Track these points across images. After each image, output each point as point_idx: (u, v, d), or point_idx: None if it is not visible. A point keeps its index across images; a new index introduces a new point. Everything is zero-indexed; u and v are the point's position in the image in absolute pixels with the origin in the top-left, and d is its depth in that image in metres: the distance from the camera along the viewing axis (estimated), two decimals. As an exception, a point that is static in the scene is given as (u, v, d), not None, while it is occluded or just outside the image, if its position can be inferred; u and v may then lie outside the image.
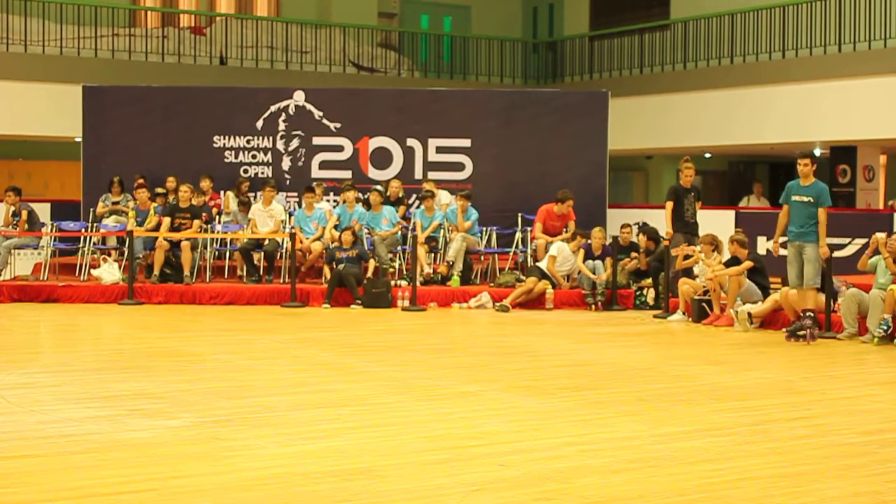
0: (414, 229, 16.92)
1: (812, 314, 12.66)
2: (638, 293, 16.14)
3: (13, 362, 10.59)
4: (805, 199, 12.58)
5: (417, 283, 15.84)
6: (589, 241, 16.26)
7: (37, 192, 22.65)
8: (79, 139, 19.48)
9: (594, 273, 15.95)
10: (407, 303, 15.68)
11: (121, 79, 21.55)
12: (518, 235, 17.92)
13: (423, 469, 6.46)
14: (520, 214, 18.06)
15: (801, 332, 12.59)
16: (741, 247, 14.26)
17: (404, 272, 16.80)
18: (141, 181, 17.75)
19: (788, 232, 12.86)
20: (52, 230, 17.68)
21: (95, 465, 6.46)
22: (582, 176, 18.65)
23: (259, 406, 8.34)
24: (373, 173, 18.84)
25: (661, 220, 15.71)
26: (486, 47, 27.11)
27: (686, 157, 15.95)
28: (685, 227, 15.39)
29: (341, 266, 15.96)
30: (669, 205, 15.42)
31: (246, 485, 6.08)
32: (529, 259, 17.36)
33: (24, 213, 17.26)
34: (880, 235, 13.19)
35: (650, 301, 15.91)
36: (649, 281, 16.05)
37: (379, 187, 17.83)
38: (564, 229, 16.87)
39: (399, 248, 17.17)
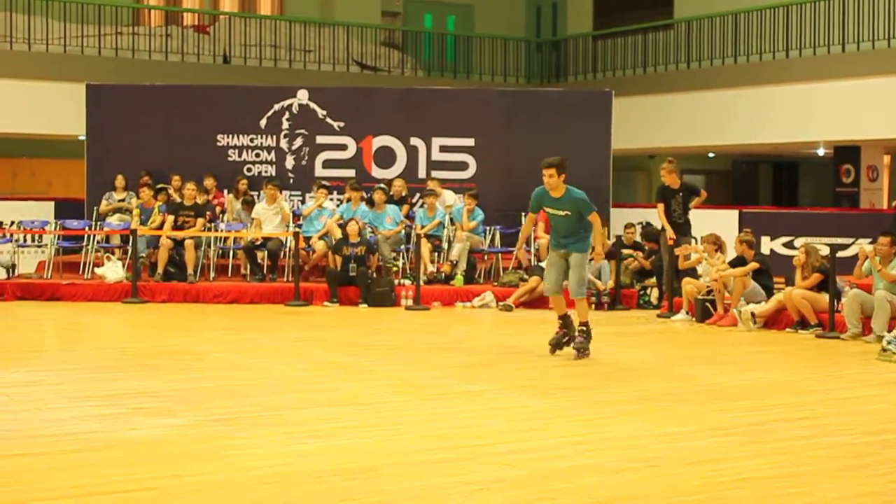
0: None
1: None
2: (641, 293, 16.14)
3: (17, 360, 10.61)
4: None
5: (421, 283, 15.86)
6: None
7: (41, 190, 22.68)
8: (82, 137, 19.50)
9: (599, 273, 15.97)
10: (410, 302, 15.69)
11: (124, 77, 21.57)
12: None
13: (425, 468, 6.45)
14: (523, 214, 18.02)
15: None
16: (749, 247, 14.26)
17: (408, 271, 16.81)
18: (146, 179, 17.79)
19: None
20: (55, 228, 17.70)
21: (98, 463, 6.47)
22: (585, 175, 18.48)
23: (262, 405, 8.34)
24: (376, 172, 18.84)
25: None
26: (490, 46, 27.11)
27: (669, 157, 15.90)
28: (673, 228, 15.32)
29: (351, 265, 15.96)
30: (660, 206, 15.39)
31: (248, 484, 6.07)
32: (533, 258, 17.36)
33: None
34: (867, 248, 13.17)
35: (654, 300, 15.92)
36: (653, 280, 16.05)
37: (383, 186, 17.82)
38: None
39: (403, 247, 17.18)
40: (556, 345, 11.20)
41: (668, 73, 24.45)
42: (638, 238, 17.16)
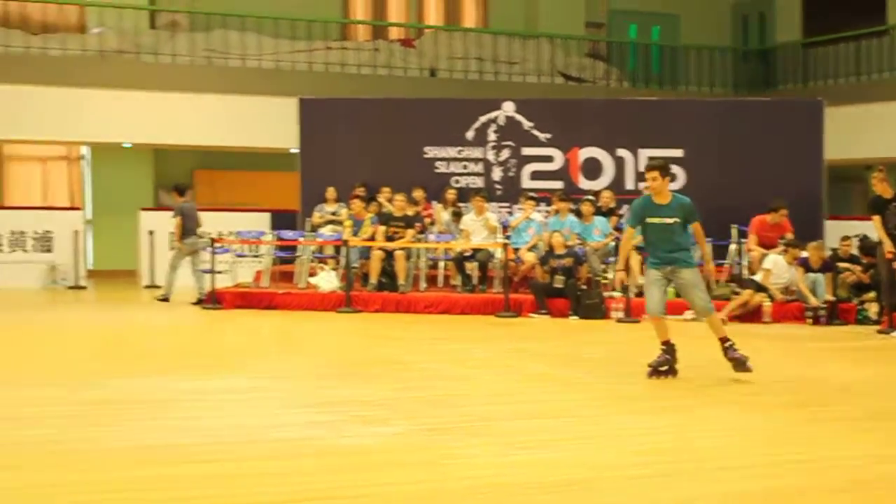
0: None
1: None
2: (860, 307, 15.64)
3: (236, 367, 10.93)
4: None
5: (631, 295, 15.72)
6: (805, 255, 15.89)
7: (257, 202, 23.35)
8: (295, 150, 19.98)
9: (814, 288, 15.57)
10: (621, 314, 15.58)
11: (334, 91, 22.01)
12: (732, 247, 17.58)
13: (636, 483, 6.37)
14: (734, 226, 17.71)
15: None
16: None
17: (618, 283, 16.67)
18: (361, 190, 18.14)
19: None
20: (272, 239, 18.19)
21: (316, 469, 6.58)
22: (797, 187, 18.20)
23: (474, 415, 8.36)
24: (583, 183, 18.81)
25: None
26: (696, 56, 26.74)
27: (879, 166, 15.32)
28: (891, 240, 14.67)
29: (558, 277, 15.95)
30: (877, 218, 14.68)
31: (461, 494, 6.10)
32: (744, 271, 17.03)
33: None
34: None
35: (873, 316, 15.38)
36: (872, 295, 15.53)
37: (591, 197, 17.76)
38: (780, 240, 16.48)
39: (612, 258, 17.06)
40: (656, 369, 10.36)
41: (882, 81, 23.68)
42: (855, 251, 16.64)
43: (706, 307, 10.38)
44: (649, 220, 10.25)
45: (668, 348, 10.35)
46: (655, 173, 10.17)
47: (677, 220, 10.20)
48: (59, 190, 25.10)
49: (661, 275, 10.26)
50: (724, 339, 10.39)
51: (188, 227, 17.61)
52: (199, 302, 17.18)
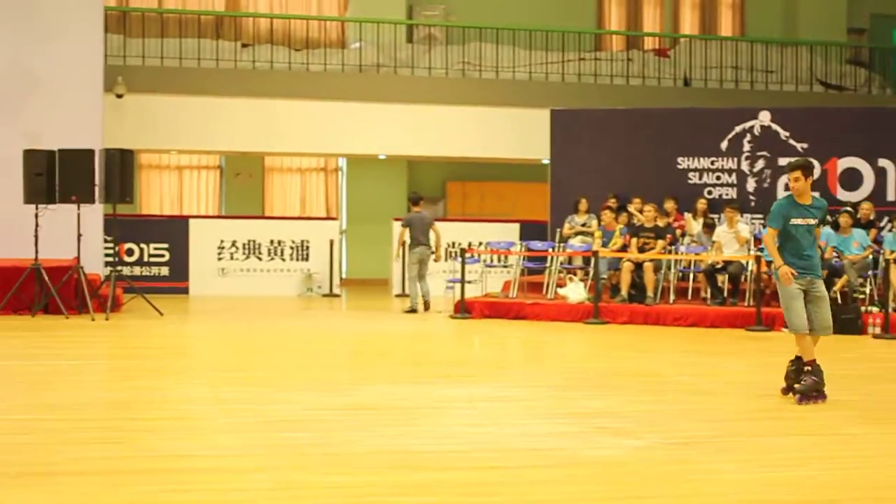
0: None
1: None
2: None
3: (485, 376, 11.06)
4: None
5: (890, 310, 15.17)
6: None
7: (507, 212, 23.60)
8: (546, 161, 20.08)
9: None
10: (878, 330, 15.05)
11: (586, 102, 22.06)
12: None
13: (891, 505, 6.16)
14: None
15: None
16: None
17: (875, 298, 16.12)
18: (613, 202, 18.11)
19: None
20: (521, 249, 18.34)
21: (561, 479, 6.59)
22: None
23: (722, 430, 8.24)
24: (841, 195, 18.25)
25: None
26: (965, 61, 25.66)
27: None
28: None
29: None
30: None
31: (711, 510, 6.01)
32: None
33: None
34: None
35: None
36: None
37: (849, 209, 17.22)
38: None
39: (870, 272, 16.51)
40: (806, 394, 9.51)
41: None
42: None
43: (831, 325, 9.81)
44: (793, 221, 9.73)
45: (815, 369, 9.65)
46: (798, 173, 9.66)
47: (817, 220, 9.80)
48: (317, 200, 25.92)
49: (800, 287, 9.70)
50: (812, 363, 9.65)
51: (416, 238, 18.00)
52: (412, 311, 17.69)
